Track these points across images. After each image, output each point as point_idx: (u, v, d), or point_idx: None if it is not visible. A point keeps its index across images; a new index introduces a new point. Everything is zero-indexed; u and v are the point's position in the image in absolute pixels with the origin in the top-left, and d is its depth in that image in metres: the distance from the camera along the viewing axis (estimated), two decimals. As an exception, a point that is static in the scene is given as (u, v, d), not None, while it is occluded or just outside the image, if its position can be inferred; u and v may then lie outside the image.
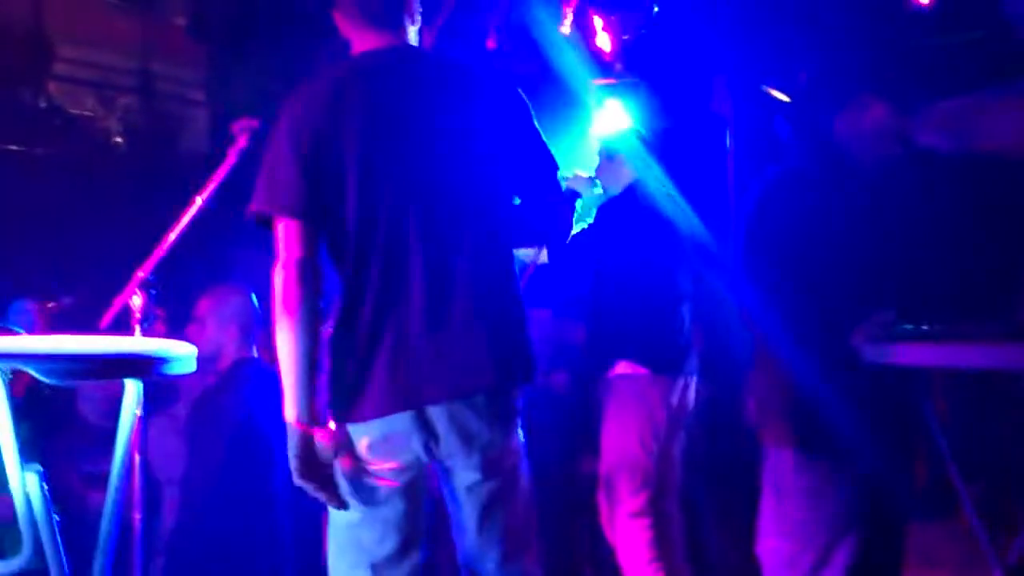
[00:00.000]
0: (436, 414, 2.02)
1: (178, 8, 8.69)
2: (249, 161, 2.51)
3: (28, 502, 1.89)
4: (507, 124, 2.14)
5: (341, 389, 2.03)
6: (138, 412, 2.18)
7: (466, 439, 2.04)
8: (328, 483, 2.00)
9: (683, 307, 3.44)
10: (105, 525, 2.03)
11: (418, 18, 2.17)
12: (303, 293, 1.96)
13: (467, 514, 2.11)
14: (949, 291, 2.81)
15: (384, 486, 2.04)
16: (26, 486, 1.88)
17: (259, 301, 5.24)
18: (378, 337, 1.99)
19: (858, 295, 2.60)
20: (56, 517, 1.93)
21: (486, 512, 2.11)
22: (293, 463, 1.97)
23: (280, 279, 1.98)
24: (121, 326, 2.57)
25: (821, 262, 2.61)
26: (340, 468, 2.04)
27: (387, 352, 1.98)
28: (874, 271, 2.62)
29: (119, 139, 8.47)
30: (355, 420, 2.02)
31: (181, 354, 2.02)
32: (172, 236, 2.54)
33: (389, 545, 2.04)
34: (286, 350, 1.96)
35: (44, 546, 1.89)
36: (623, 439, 3.23)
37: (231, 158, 2.45)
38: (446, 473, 2.12)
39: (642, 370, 3.32)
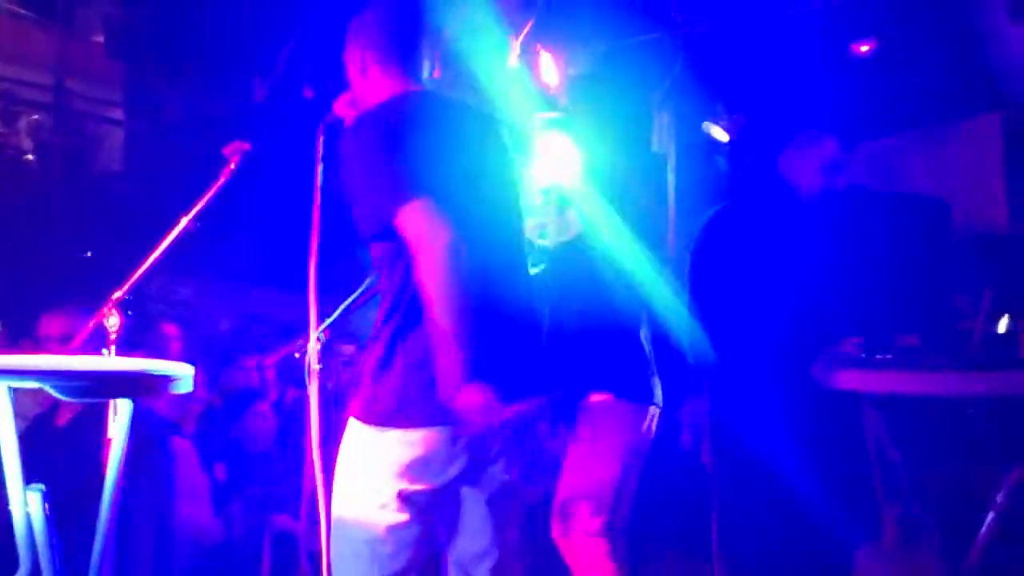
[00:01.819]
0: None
1: (96, 25, 8.51)
2: (237, 184, 2.52)
3: (28, 521, 1.86)
4: (511, 161, 2.33)
5: (401, 391, 2.04)
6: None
7: (495, 455, 2.15)
8: None
9: (643, 335, 3.55)
10: (98, 543, 2.00)
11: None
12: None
13: (482, 517, 2.19)
14: (891, 320, 2.98)
15: (414, 506, 2.06)
16: (27, 505, 1.85)
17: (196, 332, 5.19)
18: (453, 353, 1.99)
19: (816, 324, 2.76)
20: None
21: (501, 518, 2.20)
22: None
23: (448, 260, 1.97)
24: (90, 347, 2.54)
25: (775, 293, 2.76)
26: (373, 483, 2.05)
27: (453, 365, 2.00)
28: (829, 300, 2.79)
29: (30, 156, 8.21)
30: (403, 426, 2.03)
31: (185, 373, 2.02)
32: (153, 256, 2.51)
33: (402, 560, 2.07)
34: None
35: (42, 566, 1.86)
36: (592, 463, 3.29)
37: (222, 180, 2.45)
38: (471, 479, 2.16)
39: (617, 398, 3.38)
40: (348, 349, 4.28)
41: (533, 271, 3.36)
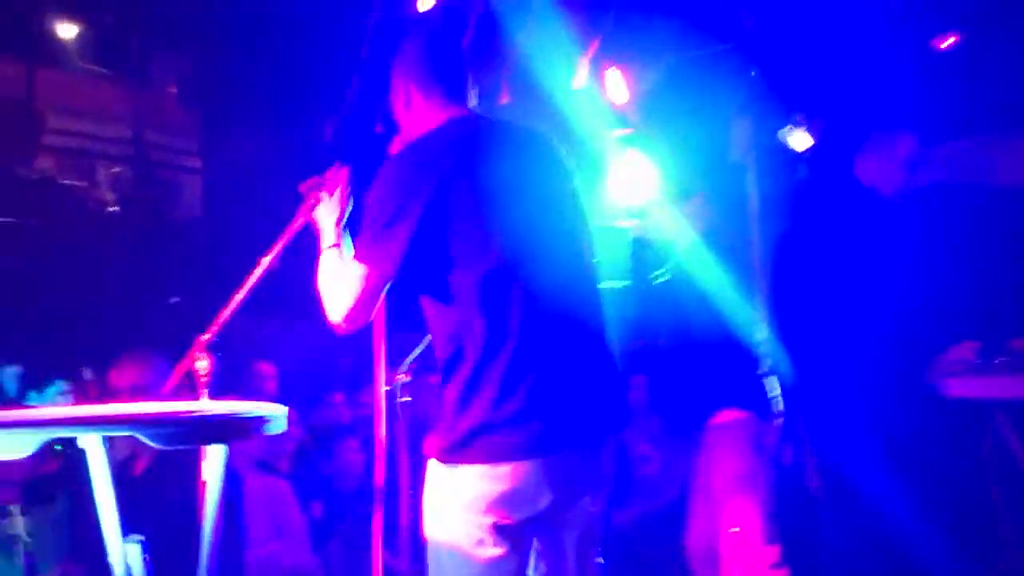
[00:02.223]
0: (563, 462, 2.02)
1: (170, 77, 8.72)
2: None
3: (129, 573, 1.83)
4: (571, 183, 2.27)
5: (483, 426, 2.00)
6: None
7: (582, 488, 2.09)
8: None
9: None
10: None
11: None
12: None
13: (570, 549, 2.13)
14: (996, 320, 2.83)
15: (509, 539, 2.01)
16: (127, 556, 1.82)
17: (283, 369, 5.21)
18: (519, 380, 1.99)
19: (921, 329, 2.62)
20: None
21: (586, 551, 2.15)
22: None
23: (351, 303, 2.05)
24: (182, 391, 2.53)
25: (872, 300, 2.63)
26: (466, 520, 2.00)
27: (528, 394, 1.99)
28: (931, 304, 2.65)
29: (113, 208, 8.42)
30: (489, 461, 1.98)
31: (278, 414, 1.98)
32: (238, 297, 2.50)
33: None
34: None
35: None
36: (744, 488, 3.13)
37: (301, 218, 2.42)
38: (561, 510, 2.09)
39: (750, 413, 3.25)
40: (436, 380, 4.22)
41: (613, 285, 3.28)
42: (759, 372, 3.11)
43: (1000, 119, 3.98)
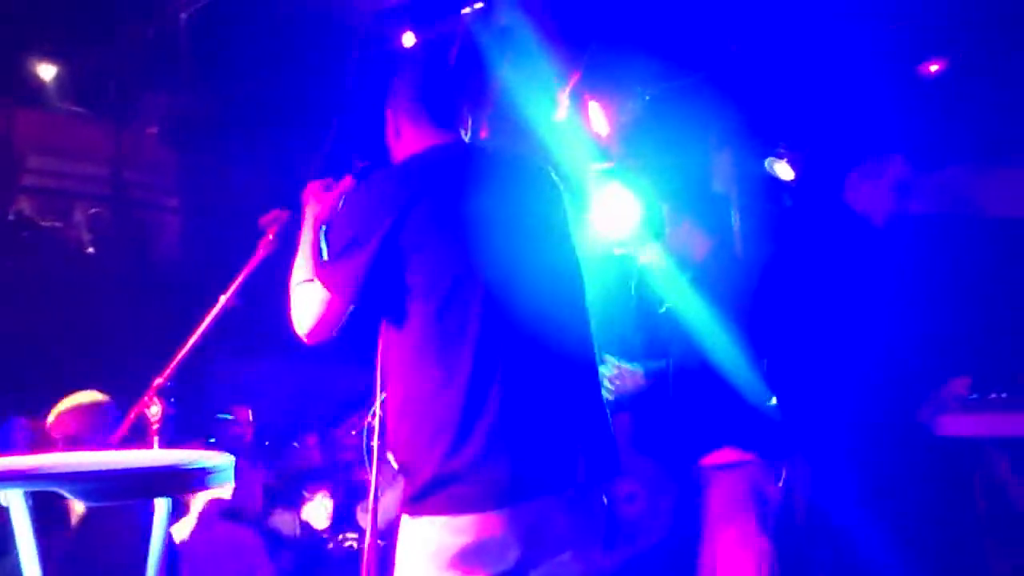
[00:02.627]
0: (531, 511, 1.85)
1: (150, 116, 8.64)
2: (278, 256, 2.37)
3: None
4: (561, 213, 2.16)
5: (435, 474, 1.85)
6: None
7: (560, 541, 1.90)
8: None
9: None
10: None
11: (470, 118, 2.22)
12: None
13: None
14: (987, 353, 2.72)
15: None
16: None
17: (260, 413, 5.07)
18: (477, 420, 1.84)
19: (912, 364, 2.50)
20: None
21: None
22: None
23: (312, 323, 2.01)
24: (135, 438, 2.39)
25: (861, 333, 2.51)
26: None
27: (488, 436, 1.83)
28: (922, 337, 2.53)
29: (91, 249, 8.31)
30: (448, 512, 1.83)
31: (223, 465, 1.84)
32: (192, 339, 2.37)
33: None
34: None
35: None
36: (748, 538, 2.97)
37: (260, 253, 2.31)
38: (534, 566, 1.91)
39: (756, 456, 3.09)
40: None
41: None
42: (765, 410, 2.97)
43: (986, 146, 3.90)
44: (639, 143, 4.62)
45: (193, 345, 2.36)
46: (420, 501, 1.87)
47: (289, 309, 2.09)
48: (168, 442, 2.34)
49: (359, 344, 2.26)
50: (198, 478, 1.78)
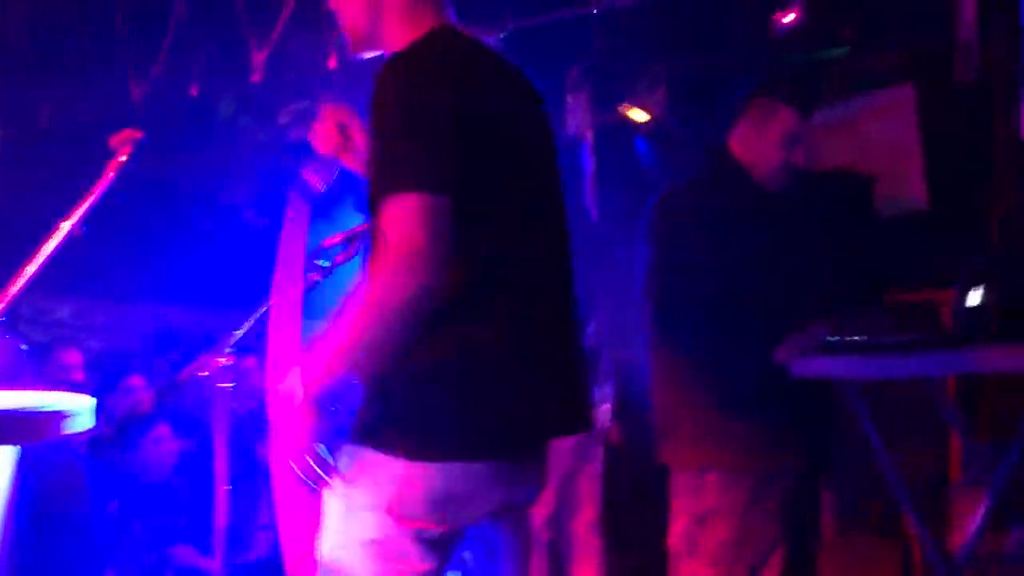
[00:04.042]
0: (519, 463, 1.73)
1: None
2: (128, 179, 2.17)
3: None
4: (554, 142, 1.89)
5: (435, 418, 1.62)
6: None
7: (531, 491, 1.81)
8: None
9: None
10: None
11: None
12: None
13: (513, 550, 1.86)
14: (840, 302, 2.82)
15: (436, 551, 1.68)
16: None
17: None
18: (504, 366, 1.64)
19: (778, 308, 2.56)
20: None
21: (524, 550, 1.91)
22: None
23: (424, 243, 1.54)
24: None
25: (737, 277, 2.53)
26: (387, 526, 1.64)
27: (510, 383, 1.64)
28: (792, 284, 2.59)
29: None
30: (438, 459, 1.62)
31: (82, 407, 1.68)
32: (32, 267, 2.14)
33: None
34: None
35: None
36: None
37: (109, 175, 2.09)
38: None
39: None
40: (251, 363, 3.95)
41: None
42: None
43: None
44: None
45: (32, 276, 2.14)
46: (405, 439, 1.62)
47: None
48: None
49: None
50: (54, 423, 1.61)
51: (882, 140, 4.24)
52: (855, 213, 3.78)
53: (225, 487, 2.68)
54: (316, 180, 1.95)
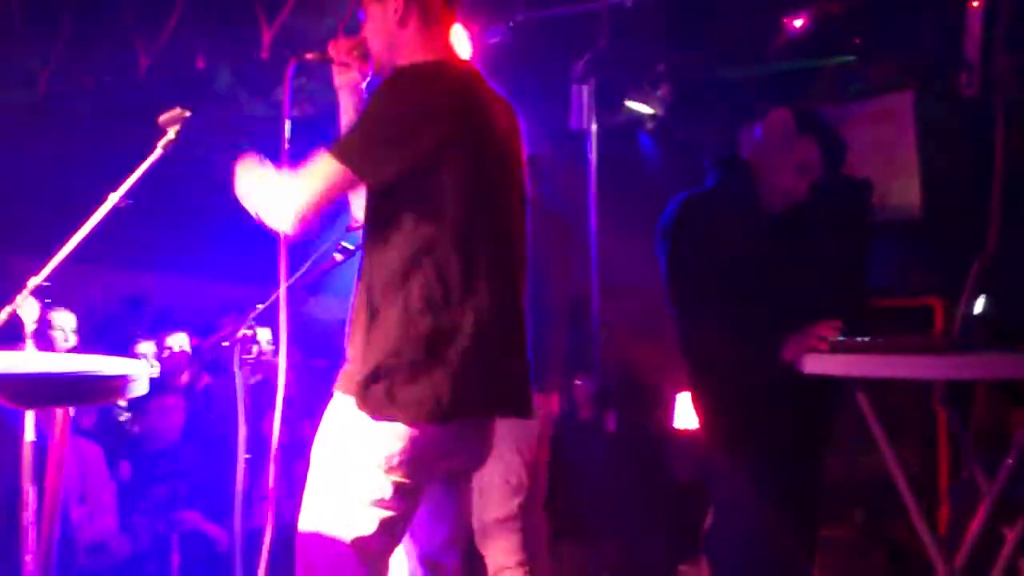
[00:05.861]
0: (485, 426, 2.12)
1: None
2: (175, 156, 2.23)
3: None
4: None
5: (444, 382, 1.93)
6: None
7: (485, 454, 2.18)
8: None
9: None
10: None
11: None
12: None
13: (458, 509, 2.18)
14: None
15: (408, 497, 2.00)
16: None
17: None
18: (485, 338, 1.96)
19: (789, 311, 2.65)
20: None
21: (466, 501, 2.24)
22: None
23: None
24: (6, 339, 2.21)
25: (748, 282, 2.62)
26: (368, 475, 1.95)
27: (483, 352, 1.97)
28: (800, 290, 2.68)
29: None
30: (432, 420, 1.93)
31: (140, 372, 1.75)
32: (77, 239, 2.20)
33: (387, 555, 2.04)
34: None
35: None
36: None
37: (158, 153, 2.16)
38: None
39: None
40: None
41: None
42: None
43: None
44: (500, 71, 4.61)
45: (79, 246, 2.19)
46: (394, 402, 1.92)
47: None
48: (40, 346, 2.18)
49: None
50: (120, 385, 1.68)
51: (878, 145, 4.35)
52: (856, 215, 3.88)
53: (246, 455, 2.76)
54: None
